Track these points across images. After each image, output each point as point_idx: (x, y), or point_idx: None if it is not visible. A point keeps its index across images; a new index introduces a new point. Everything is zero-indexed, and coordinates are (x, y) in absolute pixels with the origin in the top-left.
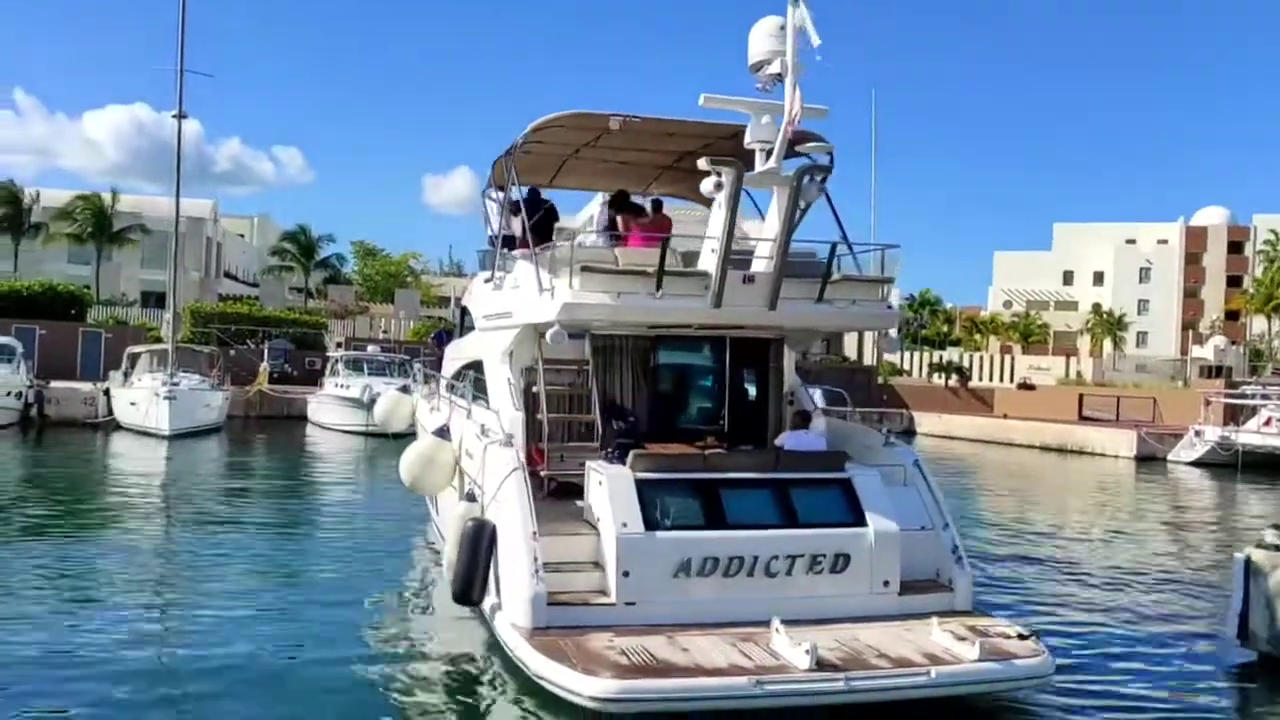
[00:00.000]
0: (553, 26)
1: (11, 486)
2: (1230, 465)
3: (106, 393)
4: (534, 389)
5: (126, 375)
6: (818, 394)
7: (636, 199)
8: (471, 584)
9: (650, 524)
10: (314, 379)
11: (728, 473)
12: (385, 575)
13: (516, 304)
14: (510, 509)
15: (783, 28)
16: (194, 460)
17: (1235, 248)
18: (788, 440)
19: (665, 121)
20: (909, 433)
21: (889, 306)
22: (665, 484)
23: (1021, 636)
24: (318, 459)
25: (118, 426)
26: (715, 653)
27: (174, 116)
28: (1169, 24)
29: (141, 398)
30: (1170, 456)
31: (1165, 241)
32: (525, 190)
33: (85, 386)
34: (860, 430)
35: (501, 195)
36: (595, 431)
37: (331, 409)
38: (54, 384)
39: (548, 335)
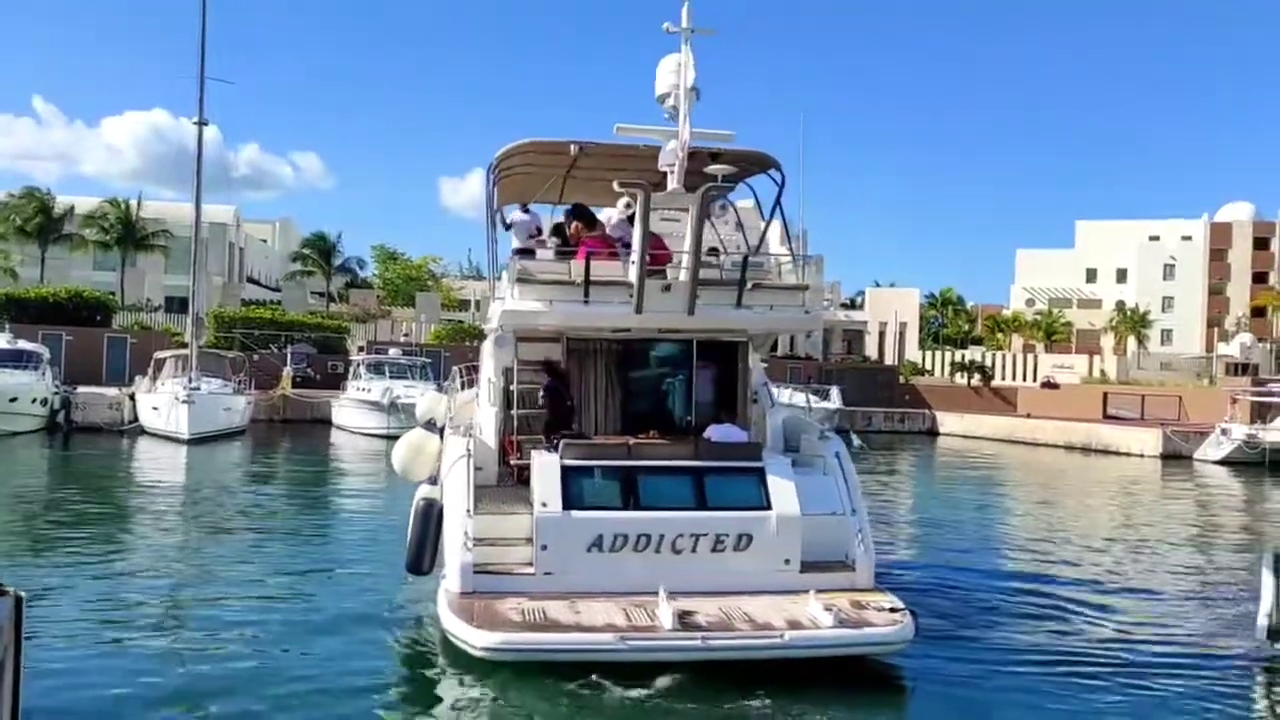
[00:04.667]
0: (566, 30)
1: (29, 491)
2: (1257, 463)
3: (132, 398)
4: (511, 388)
5: (153, 380)
6: (835, 392)
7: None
8: (421, 555)
9: (569, 504)
10: (337, 382)
11: (649, 460)
12: (389, 555)
13: (492, 312)
14: (453, 489)
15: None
16: (211, 464)
17: (1261, 244)
18: (713, 432)
19: (621, 145)
20: (931, 433)
21: (806, 311)
22: (589, 470)
23: (893, 610)
24: (339, 461)
25: (142, 431)
26: (601, 615)
27: (194, 123)
28: (1192, 18)
29: (163, 402)
30: (1196, 455)
31: (1189, 238)
32: (557, 209)
33: (111, 392)
34: (806, 424)
35: (518, 214)
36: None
37: (354, 412)
38: (80, 389)
39: (492, 339)
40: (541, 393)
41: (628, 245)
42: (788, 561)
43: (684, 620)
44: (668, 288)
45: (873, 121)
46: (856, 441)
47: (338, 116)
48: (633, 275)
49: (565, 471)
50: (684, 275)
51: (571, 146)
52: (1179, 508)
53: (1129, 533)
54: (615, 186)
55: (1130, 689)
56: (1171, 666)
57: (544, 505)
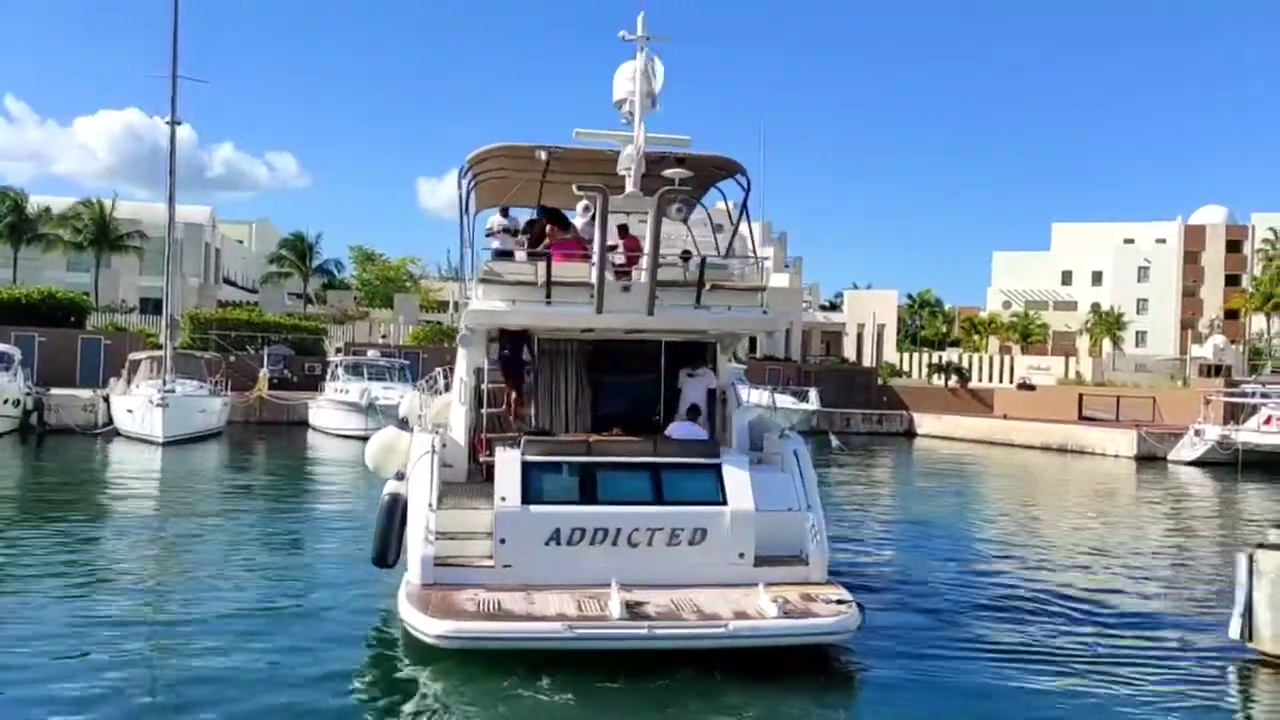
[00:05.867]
0: (547, 30)
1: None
2: (1230, 464)
3: (106, 400)
4: (482, 387)
5: (128, 382)
6: (813, 393)
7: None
8: (386, 549)
9: (528, 499)
10: (314, 384)
11: (608, 457)
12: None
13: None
14: (417, 485)
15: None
16: (186, 466)
17: (1234, 246)
18: (675, 430)
19: (592, 150)
20: (909, 434)
21: (765, 312)
22: (548, 465)
23: (841, 602)
24: (316, 462)
25: (117, 434)
26: (554, 605)
27: (167, 123)
28: (1168, 22)
29: (138, 405)
30: (1170, 456)
31: (1164, 241)
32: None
33: (85, 394)
34: (769, 423)
35: (497, 219)
36: (533, 423)
37: (331, 413)
38: (54, 391)
39: (458, 337)
40: (497, 356)
41: None
42: (742, 555)
43: (633, 610)
44: (627, 288)
45: (852, 124)
46: (835, 442)
47: (313, 116)
48: (594, 276)
49: (525, 467)
50: (643, 276)
51: (540, 153)
52: (1153, 508)
53: (1102, 533)
54: (574, 190)
55: (1100, 689)
56: (1143, 666)
57: (503, 500)
